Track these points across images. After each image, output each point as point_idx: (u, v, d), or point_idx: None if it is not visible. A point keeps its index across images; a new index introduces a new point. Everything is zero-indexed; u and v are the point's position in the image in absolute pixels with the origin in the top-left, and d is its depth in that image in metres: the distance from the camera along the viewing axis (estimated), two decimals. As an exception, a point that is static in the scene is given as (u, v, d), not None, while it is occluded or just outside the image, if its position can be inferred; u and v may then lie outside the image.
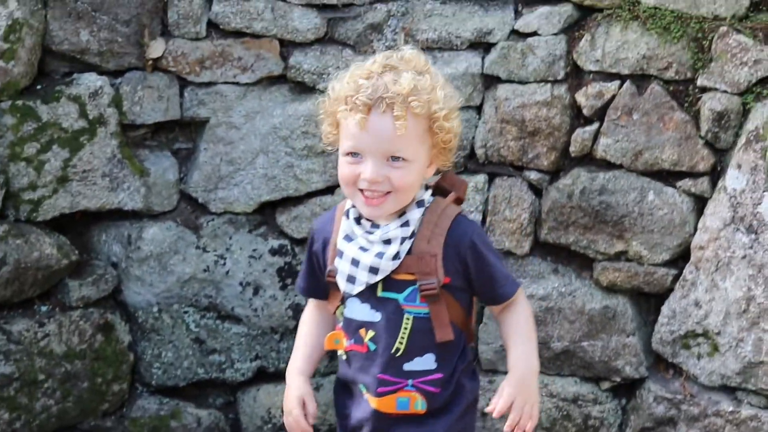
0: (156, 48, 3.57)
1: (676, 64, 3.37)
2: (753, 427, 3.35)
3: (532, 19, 3.47)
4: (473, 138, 3.56)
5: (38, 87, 3.51)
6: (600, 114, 3.45)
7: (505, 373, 3.60)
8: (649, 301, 3.56)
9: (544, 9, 3.46)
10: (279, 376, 3.73)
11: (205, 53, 3.60)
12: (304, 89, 3.59)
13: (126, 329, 3.68)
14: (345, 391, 2.57)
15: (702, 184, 3.40)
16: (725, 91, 3.33)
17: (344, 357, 2.54)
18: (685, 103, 3.39)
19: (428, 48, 3.51)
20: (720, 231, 3.33)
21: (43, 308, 3.55)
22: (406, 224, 2.41)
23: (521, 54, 3.47)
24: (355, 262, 2.42)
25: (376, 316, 2.44)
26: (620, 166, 3.45)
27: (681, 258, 3.45)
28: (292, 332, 3.69)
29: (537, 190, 3.55)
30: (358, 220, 2.46)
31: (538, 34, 3.46)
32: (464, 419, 2.50)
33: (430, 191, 2.48)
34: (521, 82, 3.48)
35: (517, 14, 3.50)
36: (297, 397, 2.54)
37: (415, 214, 2.42)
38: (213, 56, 3.60)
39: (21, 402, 3.49)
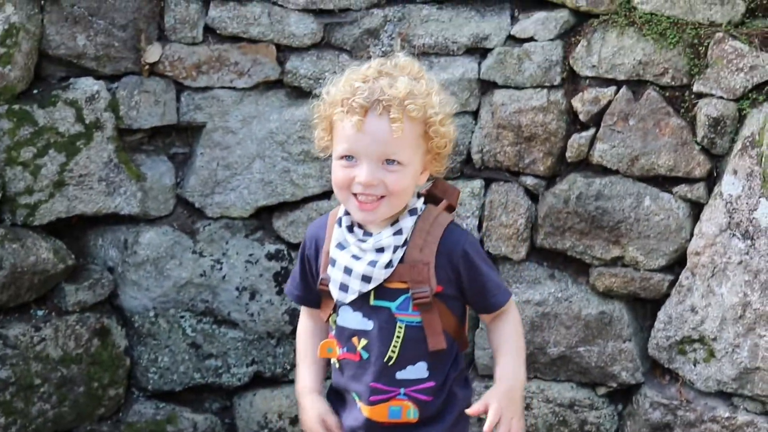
0: (153, 53, 3.58)
1: (672, 70, 3.37)
2: (749, 432, 3.36)
3: (529, 24, 3.47)
4: (470, 143, 3.56)
5: (35, 91, 3.51)
6: (596, 119, 3.45)
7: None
8: (645, 307, 3.56)
9: (540, 14, 3.46)
10: (275, 381, 3.74)
11: (202, 58, 3.60)
12: (301, 94, 3.59)
13: (122, 334, 3.67)
14: (338, 399, 2.55)
15: (698, 190, 3.40)
16: (721, 97, 3.33)
17: (337, 365, 2.52)
18: (681, 108, 3.39)
19: (425, 53, 3.52)
20: (716, 237, 3.33)
21: (40, 313, 3.55)
22: (398, 232, 2.40)
23: (518, 59, 3.47)
24: (347, 271, 2.41)
25: (368, 325, 2.43)
26: (616, 172, 3.45)
27: (677, 264, 3.45)
28: (288, 337, 3.69)
29: (533, 196, 3.54)
30: (350, 228, 2.45)
31: (535, 40, 3.46)
32: (457, 427, 2.48)
33: (422, 199, 2.47)
34: (518, 88, 3.48)
35: (514, 20, 3.50)
36: (316, 416, 2.51)
37: (407, 222, 2.41)
38: (210, 61, 3.60)
39: (17, 407, 3.49)
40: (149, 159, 3.67)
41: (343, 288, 2.42)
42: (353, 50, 3.55)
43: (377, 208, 2.38)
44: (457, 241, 2.41)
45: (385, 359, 2.42)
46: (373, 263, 2.39)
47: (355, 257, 2.41)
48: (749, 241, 3.28)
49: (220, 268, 3.69)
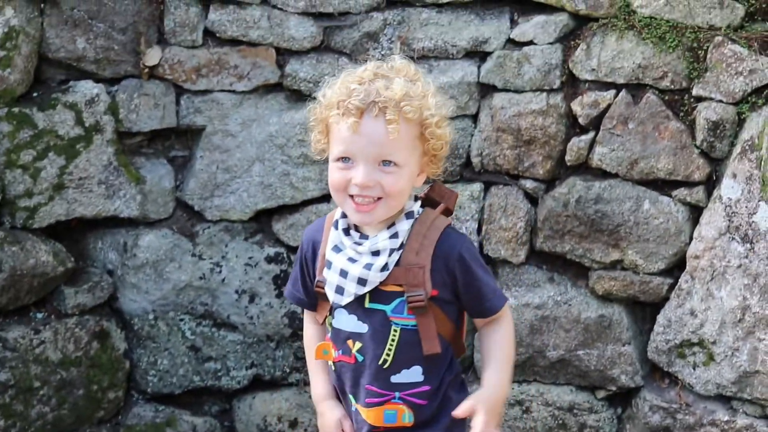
0: (152, 56, 3.58)
1: (671, 74, 3.37)
2: (748, 436, 3.36)
3: (528, 28, 3.47)
4: (469, 147, 3.55)
5: (34, 94, 3.51)
6: (596, 123, 3.45)
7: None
8: (644, 310, 3.56)
9: (539, 18, 3.46)
10: (275, 384, 3.74)
11: (202, 61, 3.60)
12: (301, 97, 3.59)
13: (122, 337, 3.67)
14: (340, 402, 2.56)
15: (697, 194, 3.40)
16: (720, 101, 3.33)
17: (333, 368, 2.53)
18: (681, 112, 3.39)
19: (424, 57, 3.52)
20: (715, 240, 3.33)
21: (39, 315, 3.55)
22: (395, 236, 2.40)
23: (517, 63, 3.47)
24: (343, 273, 2.41)
25: (363, 327, 2.43)
26: (616, 175, 3.45)
27: (676, 267, 3.45)
28: (287, 340, 3.69)
29: (533, 199, 3.54)
30: (347, 230, 2.44)
31: (534, 43, 3.46)
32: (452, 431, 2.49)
33: (419, 202, 2.47)
34: (517, 91, 3.48)
35: (513, 23, 3.50)
36: (335, 422, 2.51)
37: (404, 226, 2.41)
38: (209, 64, 3.60)
39: (16, 409, 3.49)
40: (149, 162, 3.67)
41: (339, 291, 2.42)
42: (353, 53, 3.55)
43: (374, 209, 2.37)
44: (453, 245, 2.40)
45: (380, 362, 2.42)
46: (368, 266, 2.39)
47: (351, 260, 2.41)
48: (748, 245, 3.28)
49: (220, 271, 3.69)
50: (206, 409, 3.80)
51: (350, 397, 2.50)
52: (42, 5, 3.47)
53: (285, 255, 3.69)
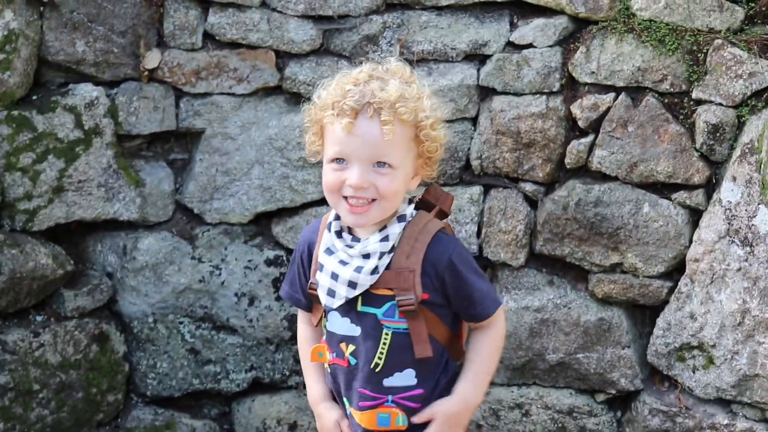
0: (152, 59, 3.58)
1: (671, 77, 3.37)
2: (748, 439, 3.36)
3: (528, 31, 3.46)
4: (469, 149, 3.55)
5: (34, 97, 3.51)
6: (595, 126, 3.44)
7: (500, 384, 3.61)
8: (644, 313, 3.56)
9: (539, 21, 3.46)
10: (274, 387, 3.74)
11: (201, 64, 3.60)
12: (300, 100, 3.56)
13: (121, 339, 3.67)
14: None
15: (697, 197, 3.39)
16: (720, 104, 3.32)
17: (329, 370, 2.53)
18: (680, 115, 3.39)
19: (423, 59, 3.52)
20: (715, 243, 3.32)
21: (38, 318, 3.55)
22: (385, 239, 2.39)
23: (516, 66, 3.47)
24: (334, 276, 2.41)
25: (356, 331, 2.43)
26: (615, 178, 3.44)
27: (676, 270, 3.45)
28: (287, 343, 3.69)
29: (532, 202, 3.54)
30: (339, 233, 2.44)
31: (534, 46, 3.46)
32: None
33: (412, 205, 2.46)
34: (516, 94, 3.48)
35: (513, 26, 3.49)
36: (333, 423, 2.51)
37: (395, 229, 2.40)
38: (209, 67, 3.60)
39: (16, 412, 3.49)
40: (148, 165, 3.67)
41: (331, 293, 2.42)
42: (352, 56, 3.54)
43: (368, 211, 2.36)
44: (444, 250, 2.39)
45: (372, 366, 2.42)
46: (359, 269, 2.38)
47: (343, 262, 2.41)
48: (748, 248, 3.27)
49: (219, 274, 3.69)
50: (206, 412, 3.80)
51: (344, 399, 2.50)
52: (41, 8, 3.48)
53: (284, 258, 3.69)
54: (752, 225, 3.27)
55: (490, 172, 3.55)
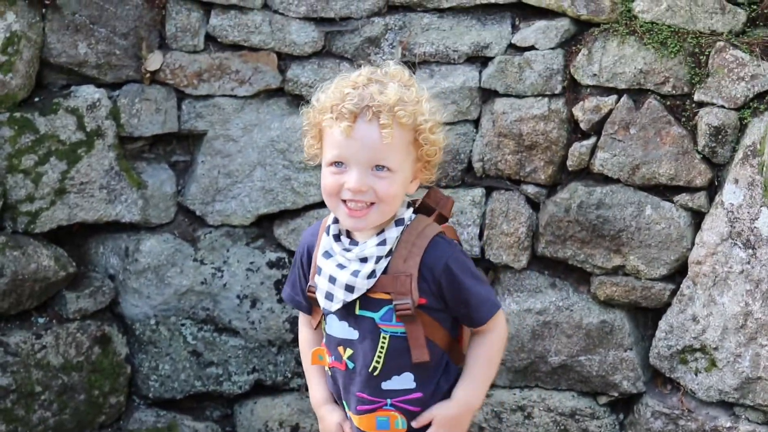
0: (154, 61, 3.58)
1: (673, 79, 3.36)
2: (750, 442, 3.35)
3: (530, 33, 3.46)
4: (470, 152, 3.55)
5: (36, 99, 3.51)
6: (597, 128, 3.44)
7: (502, 387, 3.60)
8: (646, 316, 3.55)
9: (541, 23, 3.45)
10: (276, 389, 3.73)
11: (203, 66, 3.60)
12: (302, 102, 3.58)
13: (123, 341, 3.67)
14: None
15: (699, 199, 3.39)
16: (722, 106, 3.32)
17: (329, 373, 2.52)
18: (683, 117, 3.38)
19: (425, 62, 3.51)
20: (717, 246, 3.32)
21: (40, 320, 3.55)
22: (382, 243, 2.38)
23: (518, 68, 3.46)
24: (332, 279, 2.40)
25: (354, 334, 2.42)
26: (617, 181, 3.44)
27: (678, 273, 3.44)
28: (289, 345, 3.69)
29: (534, 204, 3.53)
30: (337, 236, 2.43)
31: (536, 48, 3.46)
32: None
33: (411, 209, 2.44)
34: (518, 96, 3.48)
35: (515, 28, 3.49)
36: (336, 425, 2.51)
37: (392, 233, 2.39)
38: (211, 69, 3.60)
39: (18, 414, 3.49)
40: (150, 167, 3.67)
41: (329, 297, 2.41)
42: (354, 59, 3.54)
43: (367, 215, 2.35)
44: (440, 254, 2.38)
45: (370, 369, 2.41)
46: (356, 273, 2.37)
47: (340, 266, 2.40)
48: (750, 251, 3.27)
49: (221, 276, 3.69)
50: (208, 415, 3.80)
51: (344, 403, 2.50)
52: (44, 10, 3.48)
53: (287, 260, 3.68)
54: (754, 227, 3.26)
55: (492, 175, 3.54)
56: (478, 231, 3.56)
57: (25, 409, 3.50)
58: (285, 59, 3.60)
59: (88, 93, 3.53)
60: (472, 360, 2.45)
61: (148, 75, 3.58)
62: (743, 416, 3.38)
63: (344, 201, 2.36)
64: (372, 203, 2.35)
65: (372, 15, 3.53)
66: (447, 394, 2.45)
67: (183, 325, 3.71)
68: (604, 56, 3.40)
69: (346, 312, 2.41)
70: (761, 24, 3.36)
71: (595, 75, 3.41)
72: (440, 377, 2.45)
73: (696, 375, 3.40)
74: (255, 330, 3.71)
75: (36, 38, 3.46)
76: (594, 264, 3.48)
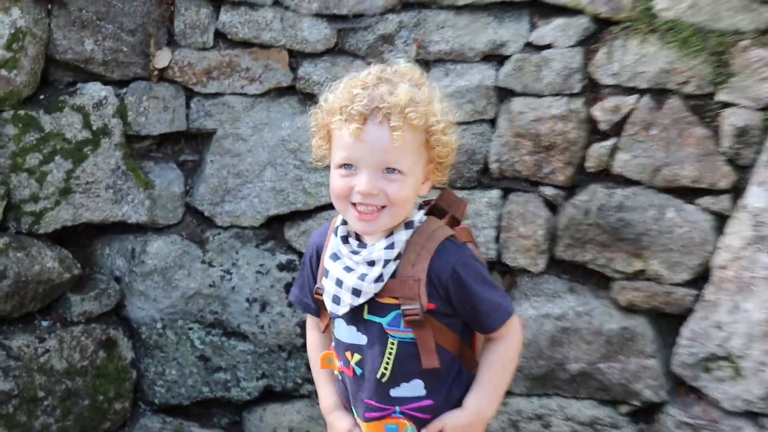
0: (162, 58, 3.57)
1: (695, 79, 3.32)
2: (776, 454, 3.29)
3: (548, 31, 3.42)
4: (487, 152, 3.52)
5: (41, 97, 3.50)
6: (617, 129, 3.41)
7: (520, 395, 3.56)
8: (669, 322, 3.51)
9: (559, 21, 3.42)
10: (286, 396, 3.72)
11: (212, 63, 3.59)
12: (314, 101, 3.54)
13: (129, 345, 3.66)
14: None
15: (723, 202, 3.34)
16: (747, 107, 3.27)
17: (339, 377, 2.50)
18: (706, 118, 3.34)
19: (440, 60, 3.49)
20: (741, 250, 3.27)
21: (44, 323, 3.54)
22: (391, 246, 2.34)
23: (536, 67, 3.43)
24: (339, 283, 2.37)
25: (362, 339, 2.39)
26: (638, 183, 3.40)
27: (701, 278, 3.40)
28: (300, 350, 3.68)
29: (552, 206, 3.50)
30: (345, 238, 2.40)
31: (554, 47, 3.42)
32: None
33: (422, 212, 2.41)
34: (536, 96, 3.44)
35: (532, 26, 3.46)
36: (346, 431, 2.48)
37: (401, 236, 2.35)
38: (220, 66, 3.59)
39: (20, 420, 3.47)
40: (158, 166, 3.66)
41: (336, 300, 2.39)
42: (367, 56, 3.52)
43: (378, 218, 2.32)
44: (448, 259, 2.34)
45: (378, 376, 2.38)
46: (363, 276, 2.35)
47: (348, 269, 2.37)
48: (776, 256, 3.21)
49: (230, 279, 3.67)
50: (215, 421, 3.79)
51: (353, 408, 2.47)
52: (49, 6, 3.47)
53: (297, 262, 3.67)
54: (780, 232, 3.21)
55: (509, 176, 3.51)
56: (495, 233, 3.53)
57: (28, 415, 3.48)
58: (296, 57, 3.58)
59: (94, 90, 3.52)
60: (484, 367, 2.42)
61: (156, 72, 3.57)
62: (769, 427, 3.33)
63: (354, 204, 2.32)
64: (383, 206, 2.32)
65: (386, 12, 3.51)
66: (459, 402, 2.41)
67: (190, 329, 3.69)
68: (625, 55, 3.36)
69: (354, 316, 2.38)
70: (788, 22, 3.30)
71: (615, 74, 3.37)
72: (452, 384, 2.41)
73: (720, 384, 3.36)
74: (264, 334, 3.68)
75: (41, 34, 3.45)
76: (614, 268, 3.44)
